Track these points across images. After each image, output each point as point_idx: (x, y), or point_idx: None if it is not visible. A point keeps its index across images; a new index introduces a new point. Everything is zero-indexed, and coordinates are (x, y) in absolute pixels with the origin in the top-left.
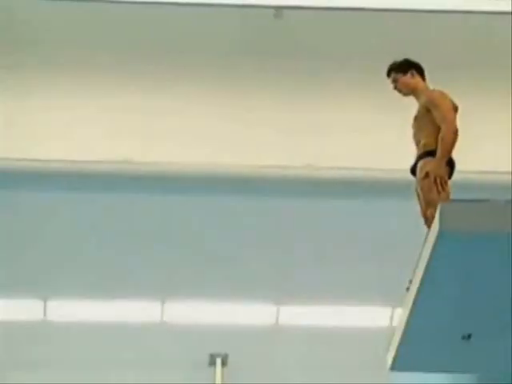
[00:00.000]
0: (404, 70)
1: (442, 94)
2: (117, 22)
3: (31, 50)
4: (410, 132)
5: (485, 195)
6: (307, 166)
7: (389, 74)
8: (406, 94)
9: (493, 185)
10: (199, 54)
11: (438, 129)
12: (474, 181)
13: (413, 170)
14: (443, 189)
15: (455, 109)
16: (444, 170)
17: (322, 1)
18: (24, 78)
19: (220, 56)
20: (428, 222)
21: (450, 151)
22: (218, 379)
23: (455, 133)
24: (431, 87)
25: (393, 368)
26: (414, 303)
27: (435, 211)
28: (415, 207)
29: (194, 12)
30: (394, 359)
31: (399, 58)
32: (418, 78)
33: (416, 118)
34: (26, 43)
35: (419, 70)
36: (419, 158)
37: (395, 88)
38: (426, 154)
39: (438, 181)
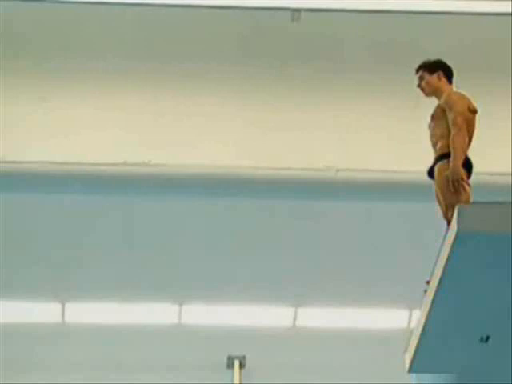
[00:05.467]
0: (432, 69)
1: (460, 97)
2: (128, 22)
3: (34, 52)
4: (427, 134)
5: (502, 197)
6: (327, 168)
7: (417, 71)
8: (427, 94)
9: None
10: (213, 56)
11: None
12: (490, 183)
13: (430, 173)
14: (464, 189)
15: (474, 112)
16: (460, 171)
17: (339, 3)
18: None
19: (235, 59)
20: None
21: (460, 153)
22: (236, 381)
23: (463, 136)
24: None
25: (411, 370)
26: (432, 305)
27: None
28: (432, 208)
29: (210, 14)
30: (412, 361)
31: (414, 60)
32: (443, 81)
33: (432, 118)
34: (26, 44)
35: (448, 73)
36: (436, 160)
37: (419, 85)
38: (442, 157)
39: (456, 183)
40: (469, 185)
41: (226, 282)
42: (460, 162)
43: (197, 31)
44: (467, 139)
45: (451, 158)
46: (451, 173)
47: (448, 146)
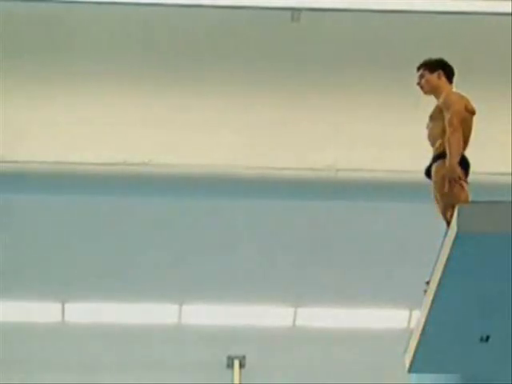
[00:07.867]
0: (432, 68)
1: (459, 97)
2: (129, 21)
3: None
4: (425, 133)
5: (502, 197)
6: (327, 168)
7: (418, 69)
8: (426, 92)
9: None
10: (212, 56)
11: None
12: (490, 183)
13: (427, 173)
14: (463, 189)
15: (472, 113)
16: (456, 170)
17: (339, 3)
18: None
19: (234, 59)
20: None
21: (456, 152)
22: (236, 381)
23: (458, 137)
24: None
25: (410, 370)
26: (432, 305)
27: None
28: (432, 208)
29: (209, 14)
30: (412, 361)
31: (414, 60)
32: (443, 80)
33: (431, 118)
34: (27, 45)
35: (448, 73)
36: (432, 160)
37: (418, 83)
38: (438, 156)
39: (453, 182)
40: (467, 183)
41: (226, 281)
42: (456, 160)
43: (196, 31)
44: (462, 140)
45: (447, 158)
46: (448, 171)
47: (445, 146)
